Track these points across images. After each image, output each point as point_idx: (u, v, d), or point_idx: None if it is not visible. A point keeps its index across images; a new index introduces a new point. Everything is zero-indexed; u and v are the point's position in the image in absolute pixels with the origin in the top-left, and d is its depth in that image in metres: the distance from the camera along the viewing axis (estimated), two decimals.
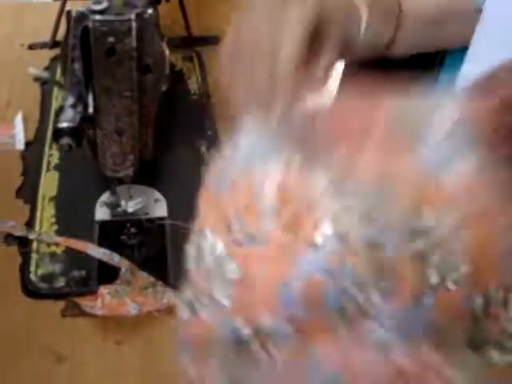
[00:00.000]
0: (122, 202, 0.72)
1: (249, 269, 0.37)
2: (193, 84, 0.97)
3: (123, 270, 0.67)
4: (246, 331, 0.37)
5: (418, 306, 0.35)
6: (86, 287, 0.66)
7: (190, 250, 0.41)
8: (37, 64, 1.00)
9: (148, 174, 0.71)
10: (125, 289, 0.66)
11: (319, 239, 0.36)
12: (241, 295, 0.37)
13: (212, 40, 1.06)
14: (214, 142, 0.86)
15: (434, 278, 0.36)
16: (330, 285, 0.35)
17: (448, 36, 0.78)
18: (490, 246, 0.36)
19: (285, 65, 0.44)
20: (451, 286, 0.36)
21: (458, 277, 0.36)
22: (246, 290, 0.37)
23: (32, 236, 0.72)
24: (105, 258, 0.70)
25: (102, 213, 0.73)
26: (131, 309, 0.64)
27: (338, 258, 0.36)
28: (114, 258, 0.69)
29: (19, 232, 0.73)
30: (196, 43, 1.05)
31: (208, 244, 0.39)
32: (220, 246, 0.38)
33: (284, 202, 0.37)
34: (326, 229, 0.36)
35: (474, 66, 0.68)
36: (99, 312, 0.64)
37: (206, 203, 0.42)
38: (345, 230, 0.36)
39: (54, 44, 1.03)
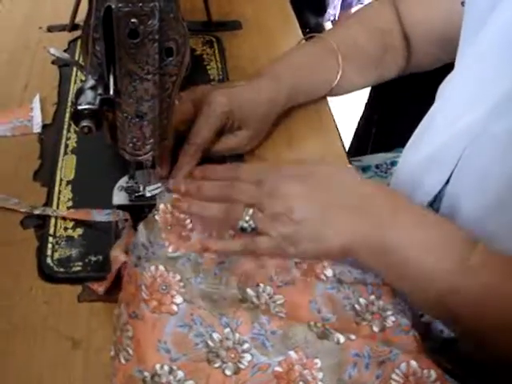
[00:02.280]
0: (141, 187, 0.72)
1: (137, 333, 0.57)
2: (212, 69, 0.96)
3: (128, 225, 0.68)
4: (147, 374, 0.55)
5: (255, 323, 0.57)
6: (103, 272, 0.65)
7: (115, 311, 0.61)
8: (55, 47, 1.00)
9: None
10: None
11: (174, 308, 0.58)
12: (137, 349, 0.57)
13: (232, 25, 1.05)
14: None
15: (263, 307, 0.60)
16: (191, 332, 0.57)
17: None
18: None
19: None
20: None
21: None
22: (138, 347, 0.57)
23: (36, 212, 0.72)
24: (111, 218, 0.70)
25: (119, 197, 0.72)
26: None
27: (189, 315, 0.58)
28: (119, 214, 0.70)
29: (24, 209, 0.72)
30: (216, 28, 1.04)
31: (120, 310, 0.60)
32: (124, 315, 0.59)
33: (151, 292, 0.59)
34: (178, 300, 0.59)
35: None
36: None
37: (126, 274, 0.62)
38: (191, 297, 0.59)
39: (73, 27, 1.03)
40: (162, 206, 0.67)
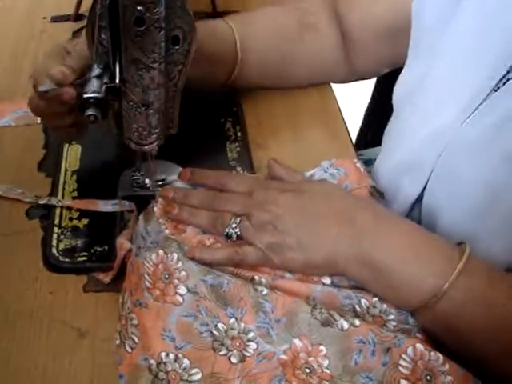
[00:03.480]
0: (146, 179, 0.71)
1: (142, 321, 0.57)
2: None
3: (134, 215, 0.68)
4: (153, 362, 0.56)
5: (259, 311, 0.57)
6: (109, 262, 0.65)
7: (120, 299, 0.61)
8: (60, 37, 1.00)
9: (172, 150, 0.70)
10: None
11: (179, 299, 0.58)
12: (142, 337, 0.57)
13: None
14: (238, 118, 0.85)
15: (265, 291, 0.58)
16: (196, 321, 0.57)
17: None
18: None
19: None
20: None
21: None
22: (144, 335, 0.57)
23: (41, 201, 0.72)
24: (117, 208, 0.70)
25: (125, 187, 0.72)
26: None
27: (195, 306, 0.57)
28: (125, 204, 0.70)
29: (28, 199, 0.72)
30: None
31: (124, 299, 0.60)
32: (128, 303, 0.59)
33: (154, 281, 0.59)
34: (183, 291, 0.58)
35: None
36: None
37: (129, 263, 0.63)
38: (193, 283, 0.58)
39: (78, 17, 1.02)
40: (160, 200, 0.66)
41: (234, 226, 0.62)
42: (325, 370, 0.55)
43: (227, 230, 0.62)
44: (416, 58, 0.74)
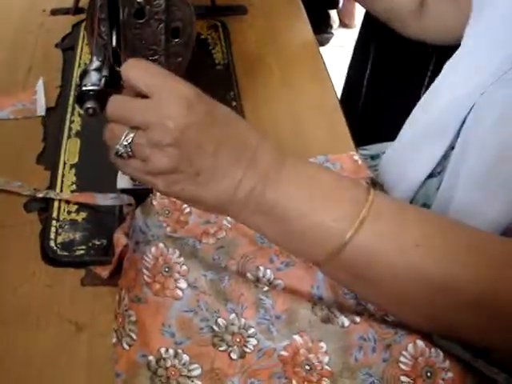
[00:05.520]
0: None
1: (141, 317, 0.58)
2: (217, 54, 0.95)
3: (132, 209, 0.68)
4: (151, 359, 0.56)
5: (259, 307, 0.57)
6: (107, 256, 0.65)
7: (116, 297, 0.60)
8: (59, 30, 0.99)
9: None
10: None
11: (179, 293, 0.58)
12: (141, 333, 0.57)
13: (237, 10, 1.05)
14: (237, 112, 0.84)
15: (265, 288, 0.58)
16: (196, 317, 0.57)
17: None
18: None
19: None
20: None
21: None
22: (142, 331, 0.57)
23: (40, 195, 0.71)
24: (116, 202, 0.69)
25: (123, 181, 0.71)
26: None
27: (195, 300, 0.58)
28: (124, 198, 0.69)
29: (26, 192, 0.72)
30: (221, 13, 1.03)
31: (121, 296, 0.60)
32: (126, 301, 0.59)
33: (154, 274, 0.59)
34: (183, 285, 0.58)
35: None
36: None
37: (125, 259, 0.62)
38: (194, 278, 0.58)
39: (77, 10, 1.02)
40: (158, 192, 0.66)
41: (125, 143, 0.51)
42: (325, 367, 0.55)
43: (117, 148, 0.52)
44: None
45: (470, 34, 0.73)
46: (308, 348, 0.55)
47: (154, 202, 0.65)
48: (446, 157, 0.70)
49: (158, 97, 0.50)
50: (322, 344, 0.55)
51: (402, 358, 0.54)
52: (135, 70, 0.51)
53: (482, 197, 0.63)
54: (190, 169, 0.50)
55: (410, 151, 0.75)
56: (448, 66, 0.75)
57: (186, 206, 0.66)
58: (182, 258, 0.59)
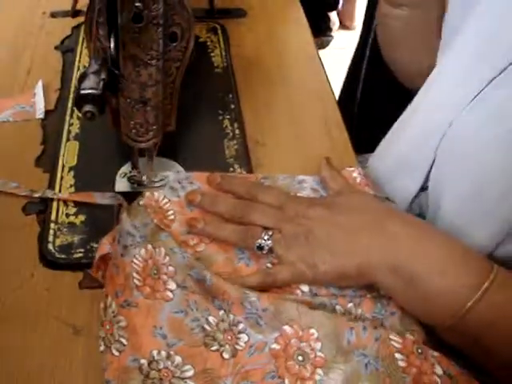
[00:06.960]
0: (143, 177, 0.71)
1: (132, 322, 0.57)
2: (216, 57, 0.95)
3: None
4: (144, 362, 0.55)
5: (245, 302, 0.57)
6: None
7: (101, 305, 0.60)
8: (59, 32, 0.99)
9: (170, 147, 0.70)
10: None
11: (169, 295, 0.58)
12: (132, 338, 0.56)
13: (237, 13, 1.05)
14: (236, 115, 0.85)
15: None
16: (187, 318, 0.57)
17: None
18: None
19: None
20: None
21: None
22: (134, 335, 0.56)
23: (37, 194, 0.71)
24: (114, 202, 0.69)
25: (122, 184, 0.72)
26: None
27: (185, 300, 0.58)
28: (120, 198, 0.69)
29: (23, 193, 0.72)
30: (220, 16, 1.03)
31: (107, 303, 0.59)
32: (113, 307, 0.59)
33: (144, 277, 0.59)
34: (172, 286, 0.58)
35: None
36: None
37: (111, 265, 0.62)
38: (182, 278, 0.59)
39: (77, 12, 1.02)
40: (147, 194, 0.66)
41: (266, 237, 0.61)
42: (318, 354, 0.54)
43: (259, 242, 0.61)
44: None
45: (442, 63, 0.72)
46: (299, 337, 0.55)
47: (141, 202, 0.65)
48: (423, 189, 0.71)
49: (291, 207, 0.64)
50: (313, 331, 0.55)
51: (391, 336, 0.54)
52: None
53: (464, 225, 0.64)
54: (324, 250, 0.59)
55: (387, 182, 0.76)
56: (421, 90, 0.75)
57: (170, 212, 0.66)
58: (167, 258, 0.59)
